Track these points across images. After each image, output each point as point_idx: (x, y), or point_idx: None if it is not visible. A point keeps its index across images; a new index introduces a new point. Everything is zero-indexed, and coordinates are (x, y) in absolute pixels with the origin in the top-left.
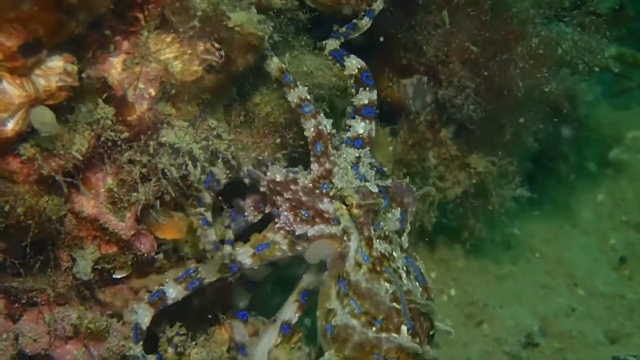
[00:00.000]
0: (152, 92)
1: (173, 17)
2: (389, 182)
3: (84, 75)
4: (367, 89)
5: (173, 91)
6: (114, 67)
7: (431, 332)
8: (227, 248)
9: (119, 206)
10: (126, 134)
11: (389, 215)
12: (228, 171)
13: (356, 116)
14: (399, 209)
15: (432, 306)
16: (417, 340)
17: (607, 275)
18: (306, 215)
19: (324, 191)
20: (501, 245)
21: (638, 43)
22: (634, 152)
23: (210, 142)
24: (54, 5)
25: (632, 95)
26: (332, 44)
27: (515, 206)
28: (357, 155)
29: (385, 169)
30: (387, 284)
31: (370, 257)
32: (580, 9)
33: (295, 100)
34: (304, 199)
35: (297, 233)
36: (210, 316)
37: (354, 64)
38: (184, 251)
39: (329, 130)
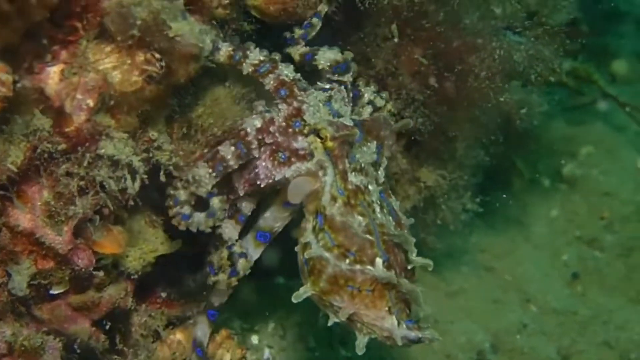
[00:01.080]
0: (91, 102)
1: (112, 26)
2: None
3: (19, 85)
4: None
5: (112, 102)
6: (52, 77)
7: (409, 267)
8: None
9: (56, 220)
10: (63, 146)
11: (365, 148)
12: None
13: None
14: (375, 142)
15: (406, 236)
16: (393, 272)
17: (560, 291)
18: (283, 157)
19: (297, 129)
20: (452, 261)
21: (592, 58)
22: (587, 167)
23: (150, 154)
24: None
25: (586, 111)
26: (296, 49)
27: (466, 221)
28: (329, 93)
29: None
30: (360, 217)
31: (345, 190)
32: (533, 21)
33: (250, 69)
34: (280, 139)
35: (277, 179)
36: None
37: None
38: (124, 266)
39: (291, 77)
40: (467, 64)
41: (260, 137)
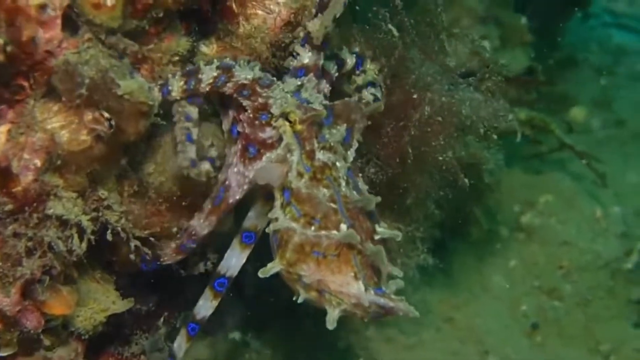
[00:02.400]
0: (38, 162)
1: (60, 85)
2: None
3: None
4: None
5: (60, 162)
6: None
7: (375, 237)
8: (206, 165)
9: (4, 281)
10: (10, 206)
11: (334, 130)
12: None
13: (306, 45)
14: (344, 125)
15: (368, 200)
16: (358, 239)
17: (519, 342)
18: (253, 151)
19: (264, 121)
20: None
21: (549, 106)
22: (545, 216)
23: (100, 214)
24: None
25: (544, 159)
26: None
27: (422, 273)
28: (298, 83)
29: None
30: (325, 189)
31: (312, 167)
32: (487, 73)
33: (207, 89)
34: (247, 131)
35: (252, 176)
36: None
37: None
38: (74, 326)
39: (251, 78)
40: (416, 118)
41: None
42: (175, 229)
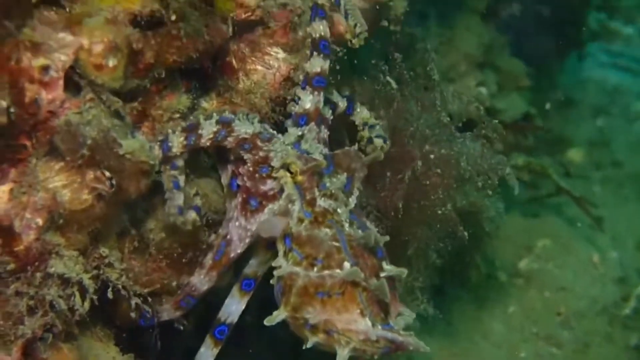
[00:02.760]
0: (40, 221)
1: (62, 144)
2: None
3: None
4: (322, 56)
5: (62, 221)
6: (0, 197)
7: (381, 274)
8: (192, 214)
9: (5, 340)
10: (13, 266)
11: (334, 179)
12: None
13: (307, 87)
14: (345, 174)
15: (369, 235)
16: (362, 275)
17: None
18: (254, 204)
19: (265, 174)
20: None
21: (547, 148)
22: (543, 261)
23: (101, 271)
24: None
25: (542, 203)
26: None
27: (422, 322)
28: (299, 133)
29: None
30: (327, 229)
31: (312, 213)
32: (485, 122)
33: (208, 144)
34: (248, 184)
35: (254, 229)
36: None
37: (319, 29)
38: None
39: (251, 132)
40: (414, 171)
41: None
42: (175, 285)
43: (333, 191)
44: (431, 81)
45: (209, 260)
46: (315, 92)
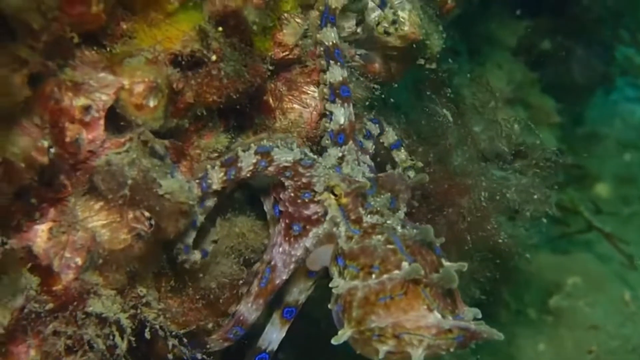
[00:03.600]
0: (79, 261)
1: (102, 185)
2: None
3: (7, 246)
4: (339, 64)
5: (100, 260)
6: (39, 236)
7: (440, 270)
8: (197, 256)
9: None
10: (51, 305)
11: (378, 198)
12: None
13: (336, 99)
14: (389, 194)
15: (426, 230)
16: (422, 272)
17: None
18: (297, 229)
19: (307, 199)
20: None
21: (575, 183)
22: (573, 298)
23: (138, 311)
24: None
25: (571, 240)
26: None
27: (454, 357)
28: (339, 155)
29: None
30: (378, 236)
31: (360, 229)
32: (521, 160)
33: (249, 175)
34: (290, 209)
35: (298, 254)
36: None
37: (330, 36)
38: None
39: (292, 160)
40: (458, 205)
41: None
42: (211, 326)
43: (379, 208)
44: (469, 115)
45: (254, 287)
46: (345, 104)
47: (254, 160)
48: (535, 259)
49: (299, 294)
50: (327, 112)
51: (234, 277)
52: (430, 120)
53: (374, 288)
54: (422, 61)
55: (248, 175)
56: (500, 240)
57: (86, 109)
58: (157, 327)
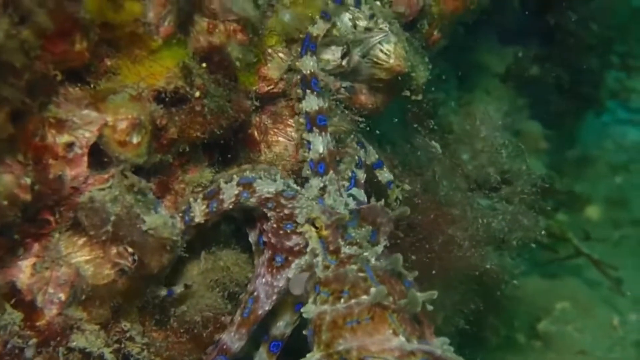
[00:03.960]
0: (62, 296)
1: (86, 220)
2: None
3: None
4: (315, 94)
5: (84, 296)
6: (23, 272)
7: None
8: (163, 292)
9: None
10: (35, 340)
11: (359, 231)
12: None
13: (313, 128)
14: (370, 227)
15: (395, 259)
16: (388, 296)
17: None
18: (280, 260)
19: (289, 230)
20: None
21: (564, 206)
22: (562, 323)
23: (122, 345)
24: None
25: (561, 265)
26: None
27: None
28: (321, 185)
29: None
30: (352, 266)
31: (337, 259)
32: (508, 187)
33: (231, 206)
34: (273, 240)
35: (280, 285)
36: None
37: (309, 64)
38: None
39: (274, 191)
40: (445, 235)
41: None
42: None
43: (358, 240)
44: (455, 145)
45: (237, 317)
46: (323, 133)
47: (236, 192)
48: (523, 284)
49: (285, 327)
50: (305, 142)
51: (218, 311)
52: (416, 150)
53: (342, 312)
54: (407, 93)
55: (230, 207)
56: (488, 267)
57: (69, 145)
58: None
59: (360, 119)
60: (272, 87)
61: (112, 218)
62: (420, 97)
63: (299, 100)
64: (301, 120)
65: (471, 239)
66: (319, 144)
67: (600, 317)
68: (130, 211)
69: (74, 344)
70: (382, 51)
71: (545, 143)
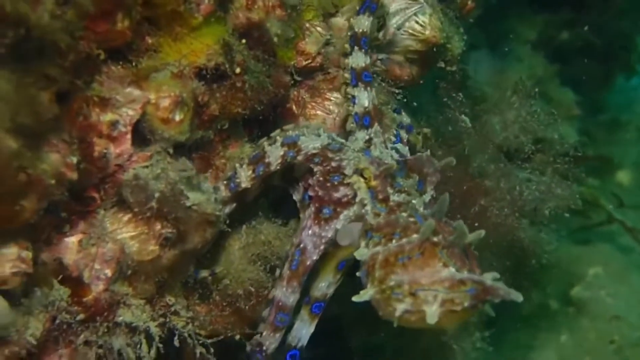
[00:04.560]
0: (109, 272)
1: (130, 197)
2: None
3: (39, 260)
4: (363, 51)
5: (129, 271)
6: (70, 248)
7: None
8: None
9: None
10: (82, 315)
11: (407, 179)
12: None
13: (358, 83)
14: (417, 177)
15: (443, 200)
16: (440, 236)
17: None
18: (328, 212)
19: (336, 182)
20: None
21: (595, 172)
22: (595, 289)
23: (167, 319)
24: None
25: (593, 231)
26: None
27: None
28: (367, 137)
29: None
30: (403, 213)
31: (387, 207)
32: (540, 157)
33: (278, 167)
34: (320, 193)
35: (329, 236)
36: None
37: (364, 24)
38: None
39: (319, 146)
40: (479, 206)
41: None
42: (238, 337)
43: (406, 188)
44: (486, 115)
45: (286, 271)
46: (369, 88)
47: (282, 153)
48: (556, 250)
49: (327, 287)
50: (350, 96)
51: (260, 284)
52: (448, 123)
53: (394, 250)
54: (442, 64)
55: (278, 167)
56: (522, 237)
57: (113, 124)
58: (186, 334)
59: (397, 91)
60: (310, 61)
61: (156, 195)
62: (455, 68)
63: (345, 55)
64: (346, 75)
65: (504, 209)
66: (364, 98)
67: (634, 282)
68: (174, 188)
69: (121, 318)
70: (417, 23)
71: (577, 109)
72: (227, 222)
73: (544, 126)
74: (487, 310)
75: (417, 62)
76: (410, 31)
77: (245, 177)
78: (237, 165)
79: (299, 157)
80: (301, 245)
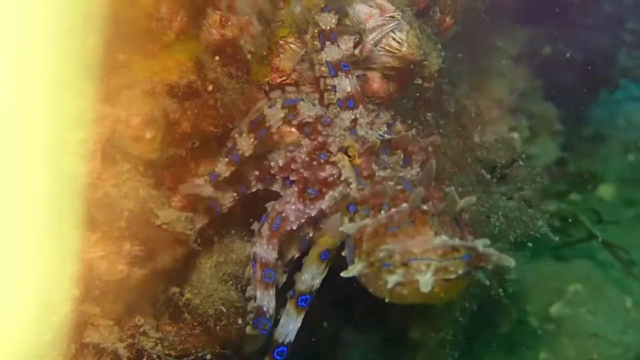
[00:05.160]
0: (76, 293)
1: (100, 217)
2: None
3: None
4: (336, 44)
5: (97, 292)
6: None
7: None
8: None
9: None
10: (50, 336)
11: (392, 156)
12: None
13: (337, 73)
14: (402, 154)
15: (430, 166)
16: (430, 204)
17: None
18: (313, 192)
19: (322, 160)
20: None
21: (577, 188)
22: (575, 306)
23: (136, 340)
24: None
25: (573, 248)
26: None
27: None
28: (352, 117)
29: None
30: (389, 182)
31: (372, 182)
32: (513, 166)
33: (278, 128)
34: (305, 174)
35: (312, 215)
36: None
37: (330, 21)
38: None
39: (314, 116)
40: None
41: (284, 175)
42: (209, 357)
43: (391, 165)
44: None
45: (266, 230)
46: (350, 75)
47: (282, 115)
48: (535, 266)
49: (312, 279)
50: (330, 87)
51: (231, 304)
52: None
53: (383, 221)
54: (419, 80)
55: (278, 129)
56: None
57: (83, 141)
58: (155, 356)
59: (373, 107)
60: (284, 78)
61: (126, 214)
62: (432, 85)
63: (317, 52)
64: (323, 69)
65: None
66: (346, 85)
67: (612, 298)
68: (144, 206)
69: (88, 339)
70: (394, 39)
71: (559, 125)
72: (198, 240)
73: (522, 142)
74: (480, 278)
75: (394, 78)
76: (387, 48)
77: (246, 145)
78: (236, 135)
79: (294, 122)
80: (283, 215)
